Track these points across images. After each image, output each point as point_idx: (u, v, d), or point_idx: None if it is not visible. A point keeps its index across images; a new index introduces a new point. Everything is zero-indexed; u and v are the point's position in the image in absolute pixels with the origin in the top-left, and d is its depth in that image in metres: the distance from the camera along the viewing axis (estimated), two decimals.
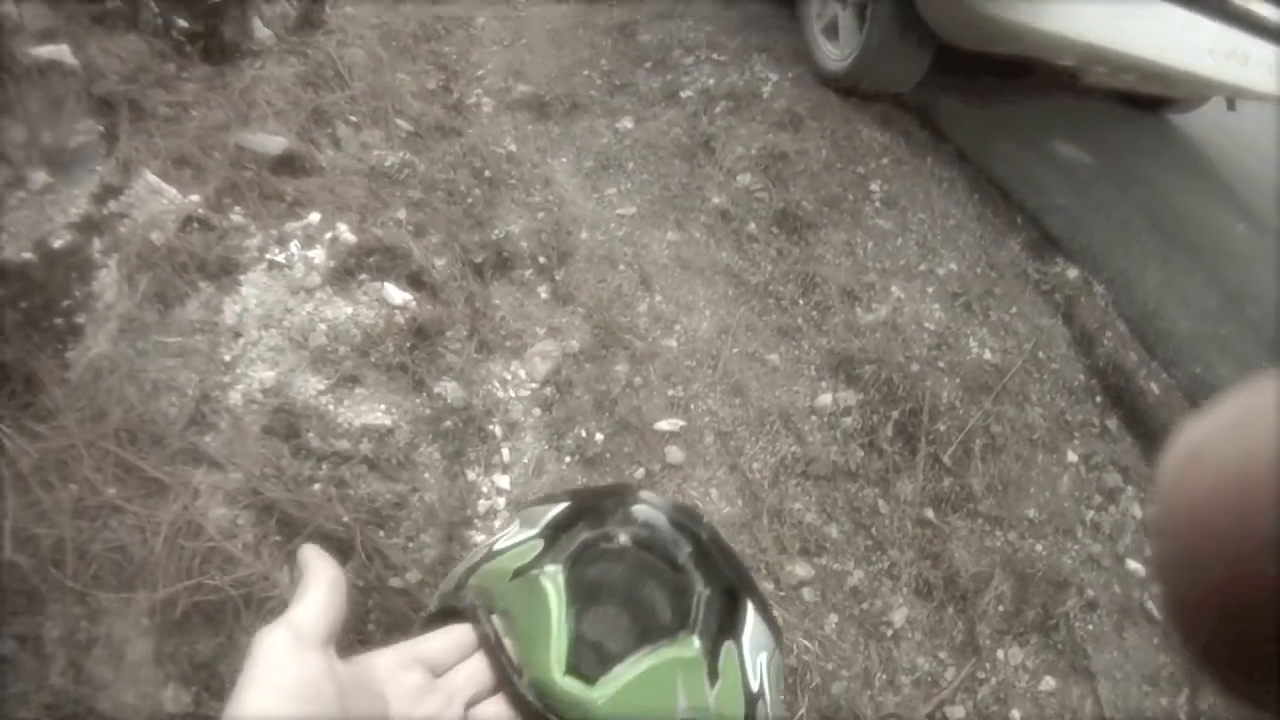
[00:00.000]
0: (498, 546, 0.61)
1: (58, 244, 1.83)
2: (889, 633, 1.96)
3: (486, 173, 2.74)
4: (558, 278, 2.47)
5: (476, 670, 0.54)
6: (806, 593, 1.97)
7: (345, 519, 1.63)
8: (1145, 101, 4.27)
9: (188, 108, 2.34)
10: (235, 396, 1.77)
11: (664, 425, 2.17)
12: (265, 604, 1.48)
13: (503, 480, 1.96)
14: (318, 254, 2.09)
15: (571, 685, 0.50)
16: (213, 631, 1.46)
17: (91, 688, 1.37)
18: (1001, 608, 2.05)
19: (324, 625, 0.47)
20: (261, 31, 2.77)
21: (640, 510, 0.62)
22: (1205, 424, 0.26)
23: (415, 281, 2.17)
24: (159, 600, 1.43)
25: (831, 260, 2.77)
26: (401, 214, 2.35)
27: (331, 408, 1.82)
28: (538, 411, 2.13)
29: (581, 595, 0.54)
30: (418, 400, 1.93)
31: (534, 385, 2.18)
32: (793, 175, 3.02)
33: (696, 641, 0.55)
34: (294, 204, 2.21)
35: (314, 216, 2.18)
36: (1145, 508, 2.37)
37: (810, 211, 2.88)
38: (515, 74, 3.43)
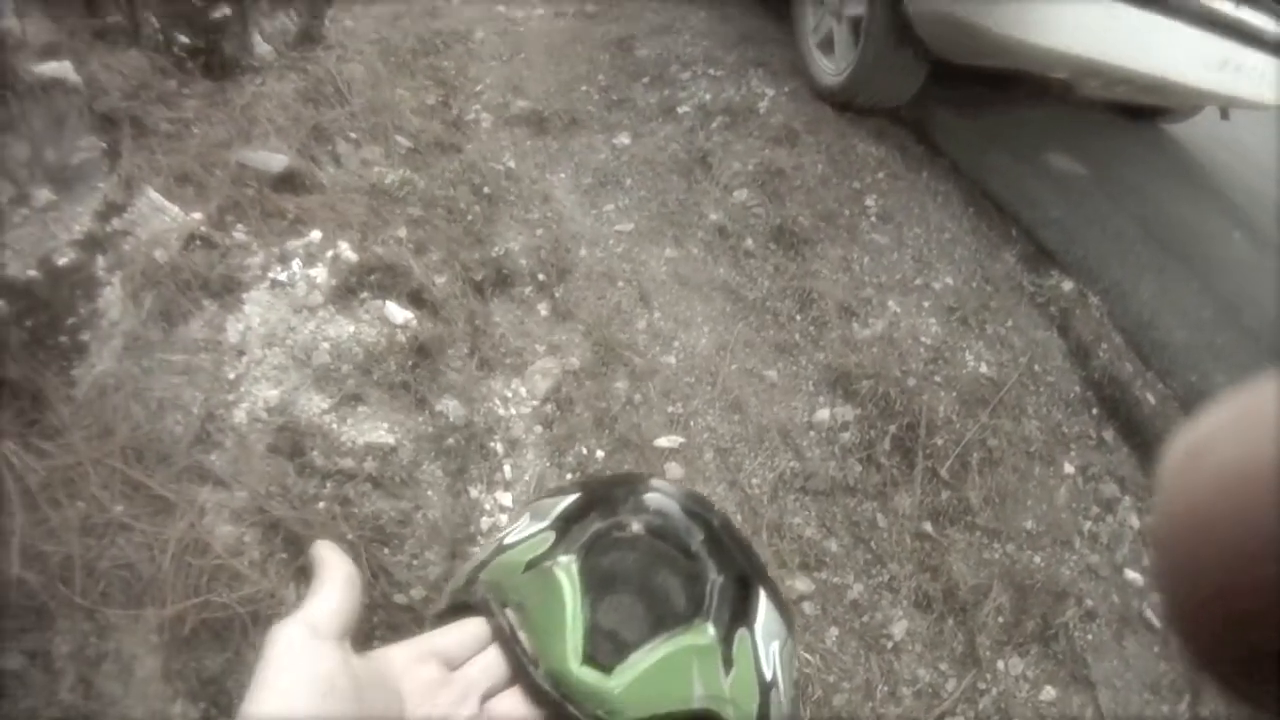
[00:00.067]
0: (508, 541, 0.60)
1: (62, 261, 1.84)
2: (889, 645, 1.97)
3: (486, 189, 2.76)
4: (557, 295, 2.49)
5: (491, 663, 0.54)
6: (807, 606, 1.98)
7: (350, 536, 1.65)
8: (1139, 111, 4.30)
9: (189, 124, 2.35)
10: (240, 415, 1.78)
11: (664, 442, 2.19)
12: (272, 621, 1.48)
13: (505, 497, 1.97)
14: (319, 272, 2.11)
15: (588, 675, 0.50)
16: (220, 648, 1.47)
17: (101, 703, 1.37)
18: (1001, 619, 2.06)
19: (339, 620, 0.47)
20: (262, 47, 2.78)
21: (652, 498, 0.62)
22: (1205, 425, 0.25)
23: (416, 299, 2.18)
24: (167, 617, 1.44)
25: (828, 275, 2.79)
26: (402, 232, 2.36)
27: (335, 426, 1.83)
28: (539, 429, 2.14)
29: (596, 585, 0.54)
30: (420, 418, 1.95)
31: (535, 402, 2.19)
32: (789, 191, 3.04)
33: (711, 629, 0.54)
34: (295, 222, 2.22)
35: (315, 234, 2.19)
36: (1143, 517, 2.39)
37: (806, 227, 2.90)
38: (514, 89, 3.45)
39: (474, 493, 1.95)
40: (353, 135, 2.72)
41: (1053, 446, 2.48)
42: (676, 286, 2.66)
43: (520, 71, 3.61)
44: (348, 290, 2.11)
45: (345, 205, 2.36)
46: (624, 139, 3.29)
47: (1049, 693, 1.98)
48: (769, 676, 0.57)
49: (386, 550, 1.70)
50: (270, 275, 2.06)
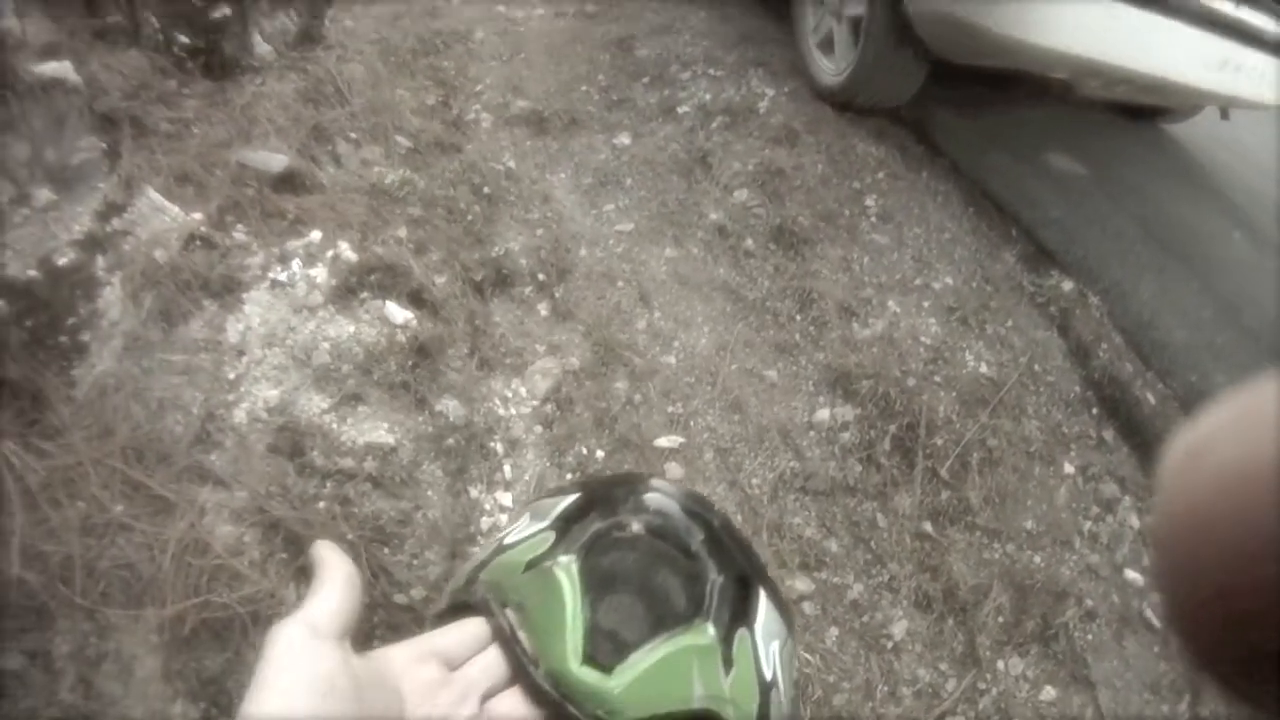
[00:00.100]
0: (508, 541, 0.60)
1: (62, 261, 1.84)
2: (889, 645, 1.97)
3: (486, 189, 2.76)
4: (557, 295, 2.49)
5: (491, 663, 0.54)
6: (807, 607, 1.98)
7: (350, 536, 1.65)
8: (1139, 111, 4.30)
9: (189, 124, 2.35)
10: (240, 415, 1.78)
11: (664, 442, 2.19)
12: (272, 621, 1.48)
13: (505, 497, 1.97)
14: (319, 272, 2.11)
15: (588, 675, 0.50)
16: (220, 648, 1.47)
17: (101, 703, 1.37)
18: (1001, 619, 2.06)
19: (339, 620, 0.47)
20: (262, 47, 2.78)
21: (652, 498, 0.62)
22: (1205, 424, 0.25)
23: (416, 299, 2.18)
24: (167, 617, 1.44)
25: (828, 276, 2.79)
26: (402, 232, 2.36)
27: (335, 426, 1.83)
28: (539, 429, 2.15)
29: (596, 585, 0.54)
30: (420, 418, 1.95)
31: (535, 402, 2.19)
32: (789, 191, 3.04)
33: (711, 629, 0.54)
34: (295, 222, 2.22)
35: (315, 234, 2.19)
36: (1143, 518, 2.39)
37: (806, 227, 2.91)
38: (513, 89, 3.45)
39: (474, 493, 1.95)
40: (353, 135, 2.72)
41: (1053, 446, 2.48)
42: (676, 286, 2.66)
43: (520, 71, 3.61)
44: (348, 290, 2.11)
45: (345, 205, 2.36)
46: (624, 139, 3.29)
47: (1049, 693, 1.98)
48: (769, 676, 0.57)
49: (386, 550, 1.70)
50: (270, 275, 2.06)
